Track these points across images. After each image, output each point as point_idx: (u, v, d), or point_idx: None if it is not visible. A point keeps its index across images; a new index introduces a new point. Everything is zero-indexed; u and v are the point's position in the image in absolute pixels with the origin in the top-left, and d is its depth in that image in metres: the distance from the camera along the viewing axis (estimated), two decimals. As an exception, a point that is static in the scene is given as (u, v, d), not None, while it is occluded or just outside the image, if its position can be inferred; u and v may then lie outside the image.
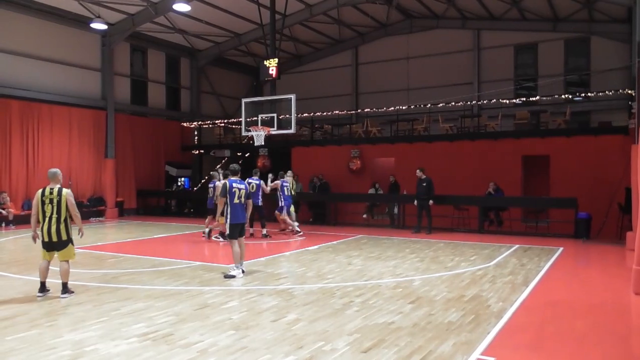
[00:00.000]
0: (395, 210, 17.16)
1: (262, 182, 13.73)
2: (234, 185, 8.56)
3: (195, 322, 5.81)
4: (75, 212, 7.15)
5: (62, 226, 7.04)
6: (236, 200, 8.52)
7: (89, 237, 13.56)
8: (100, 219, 19.27)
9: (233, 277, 8.28)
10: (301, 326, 5.69)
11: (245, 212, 8.75)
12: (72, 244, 7.26)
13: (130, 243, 12.94)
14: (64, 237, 7.08)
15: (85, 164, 19.43)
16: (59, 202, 7.03)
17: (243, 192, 8.64)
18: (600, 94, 17.15)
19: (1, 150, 16.88)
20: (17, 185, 17.29)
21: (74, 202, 7.19)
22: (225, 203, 8.59)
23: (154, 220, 19.10)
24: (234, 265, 8.52)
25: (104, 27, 18.40)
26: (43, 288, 7.09)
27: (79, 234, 7.25)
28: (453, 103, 19.13)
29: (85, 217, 18.63)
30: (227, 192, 8.51)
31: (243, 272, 8.53)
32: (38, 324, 5.76)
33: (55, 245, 7.07)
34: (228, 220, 8.55)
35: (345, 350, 4.93)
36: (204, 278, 8.38)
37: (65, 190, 7.14)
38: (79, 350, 4.89)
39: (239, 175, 8.82)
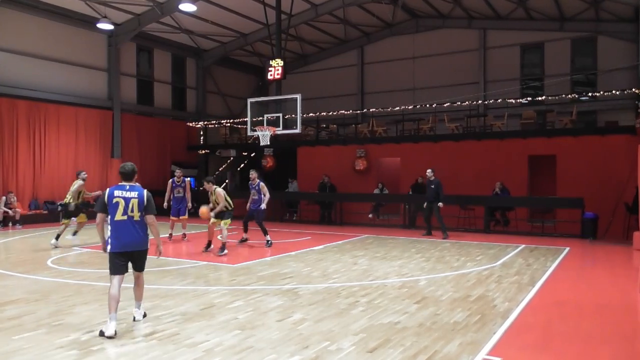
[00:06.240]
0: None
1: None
2: (115, 193, 5.73)
3: (201, 322, 5.83)
4: None
5: None
6: (119, 217, 5.64)
7: (95, 237, 13.62)
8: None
9: (103, 334, 5.27)
10: (307, 326, 5.69)
11: (139, 231, 5.79)
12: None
13: (136, 243, 12.95)
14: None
15: (91, 164, 19.45)
16: None
17: (134, 202, 5.70)
18: (607, 93, 17.05)
19: (8, 150, 16.95)
20: (24, 185, 17.33)
21: None
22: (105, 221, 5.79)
23: (160, 220, 18.64)
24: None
25: (110, 27, 18.44)
26: None
27: None
28: (459, 103, 19.08)
29: (91, 216, 18.61)
30: (107, 204, 5.71)
31: (136, 318, 5.84)
32: (45, 323, 5.78)
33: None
34: (108, 246, 5.67)
35: (350, 350, 4.92)
36: (210, 278, 8.40)
37: None
38: (86, 350, 4.91)
39: (133, 179, 5.94)
